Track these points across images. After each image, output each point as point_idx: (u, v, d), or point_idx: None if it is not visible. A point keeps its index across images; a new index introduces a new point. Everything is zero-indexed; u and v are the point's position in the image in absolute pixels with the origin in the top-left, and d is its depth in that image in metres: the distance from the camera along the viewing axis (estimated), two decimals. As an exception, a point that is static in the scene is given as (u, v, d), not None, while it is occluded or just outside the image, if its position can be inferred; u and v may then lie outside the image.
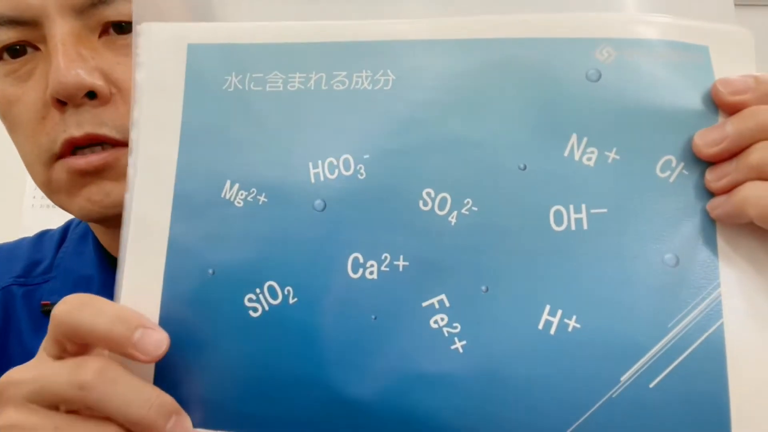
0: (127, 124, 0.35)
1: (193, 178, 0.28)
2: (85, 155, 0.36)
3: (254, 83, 0.28)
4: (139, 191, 0.28)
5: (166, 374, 0.26)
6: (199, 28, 0.29)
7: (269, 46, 0.28)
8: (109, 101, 0.36)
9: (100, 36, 0.36)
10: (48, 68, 0.35)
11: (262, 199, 0.27)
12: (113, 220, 0.37)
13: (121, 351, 0.25)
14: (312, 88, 0.28)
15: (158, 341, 0.25)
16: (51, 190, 0.38)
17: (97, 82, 0.35)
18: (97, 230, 0.44)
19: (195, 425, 0.26)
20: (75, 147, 0.36)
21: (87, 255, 0.45)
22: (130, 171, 0.28)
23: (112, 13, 0.35)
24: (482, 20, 0.27)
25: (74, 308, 0.25)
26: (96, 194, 0.37)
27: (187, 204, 0.27)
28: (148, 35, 0.29)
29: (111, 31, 0.36)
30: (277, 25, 0.29)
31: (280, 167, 0.27)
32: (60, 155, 0.36)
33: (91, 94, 0.35)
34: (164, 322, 0.26)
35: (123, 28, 0.36)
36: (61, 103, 0.35)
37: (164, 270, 0.27)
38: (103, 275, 0.43)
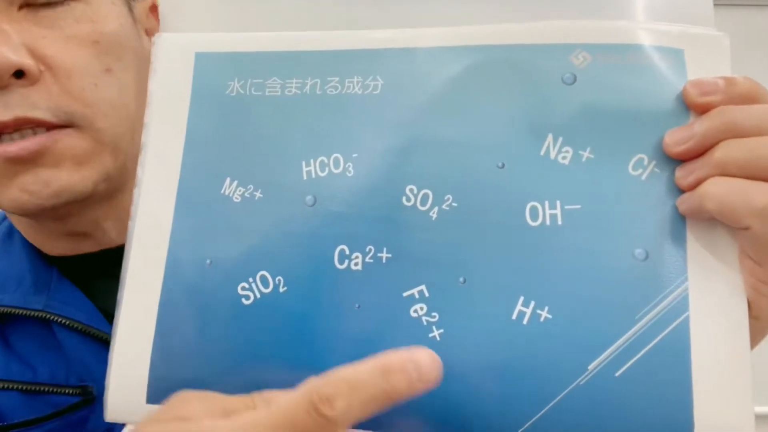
0: (62, 104, 0.34)
1: (195, 176, 0.30)
2: (15, 141, 0.33)
3: (254, 88, 0.30)
4: (146, 188, 0.30)
5: (164, 356, 0.28)
6: (206, 38, 0.32)
7: (269, 54, 0.31)
8: (38, 80, 0.33)
9: (19, 8, 0.33)
10: None
11: (258, 194, 0.29)
12: (50, 212, 0.35)
13: (412, 394, 0.22)
14: (308, 92, 0.30)
15: (431, 360, 0.21)
16: None
17: (24, 60, 0.32)
18: (24, 226, 0.41)
19: None
20: (0, 133, 0.33)
21: (15, 254, 0.41)
22: (139, 170, 0.30)
23: None
24: (465, 29, 0.28)
25: (347, 399, 0.21)
26: (32, 183, 0.33)
27: (190, 199, 0.29)
28: (161, 45, 0.32)
29: (32, 2, 0.33)
30: (277, 35, 0.31)
31: (276, 165, 0.29)
32: None
33: (18, 74, 0.32)
34: (163, 308, 0.28)
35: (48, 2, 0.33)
36: None
37: (166, 259, 0.29)
38: (34, 274, 0.40)
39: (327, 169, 0.28)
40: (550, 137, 0.27)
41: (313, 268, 0.28)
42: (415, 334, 0.26)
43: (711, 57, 0.27)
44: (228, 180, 0.29)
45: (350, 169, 0.28)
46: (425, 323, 0.26)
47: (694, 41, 0.27)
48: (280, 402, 0.22)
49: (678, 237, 0.25)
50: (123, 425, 0.29)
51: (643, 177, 0.26)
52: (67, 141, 0.34)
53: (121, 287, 0.29)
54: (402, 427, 0.26)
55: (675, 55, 0.27)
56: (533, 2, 0.29)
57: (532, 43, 0.28)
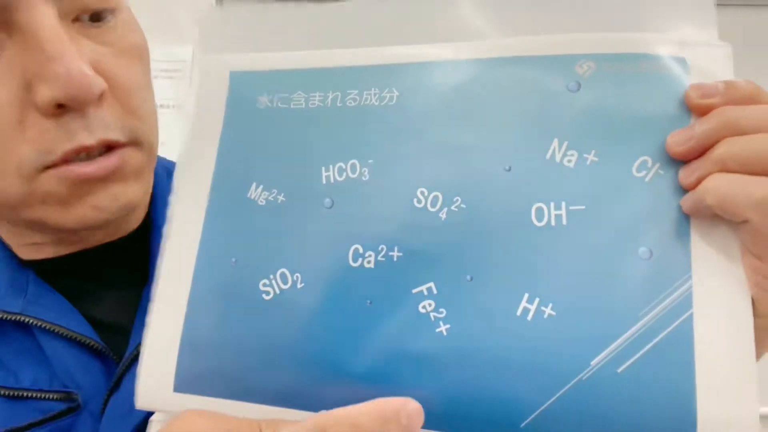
0: (127, 123, 0.34)
1: (226, 182, 0.32)
2: (92, 161, 0.32)
3: (281, 102, 0.33)
4: (182, 193, 0.33)
5: (191, 347, 0.30)
6: (240, 58, 0.35)
7: (295, 71, 0.33)
8: (106, 100, 0.32)
9: (73, 21, 0.31)
10: (24, 62, 0.29)
11: (281, 198, 0.31)
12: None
13: None
14: (329, 105, 0.32)
15: (418, 413, 0.23)
16: (28, 203, 0.33)
17: (103, 81, 0.31)
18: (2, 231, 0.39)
19: (216, 396, 0.29)
20: (79, 154, 0.32)
21: None
22: (176, 177, 0.33)
23: None
24: (474, 44, 0.30)
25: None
26: (104, 200, 0.33)
27: (219, 203, 0.32)
28: (201, 64, 0.35)
29: (82, 17, 0.32)
30: (302, 54, 0.33)
31: (298, 171, 0.31)
32: (54, 164, 0.32)
33: None
34: (192, 302, 0.30)
35: (94, 15, 0.32)
36: (60, 107, 0.30)
37: (196, 258, 0.31)
38: (8, 276, 0.38)
39: (344, 174, 0.30)
40: (555, 141, 0.28)
41: (329, 265, 0.29)
42: (423, 329, 0.27)
43: (715, 65, 0.27)
44: (254, 185, 0.32)
45: (366, 173, 0.30)
46: (433, 319, 0.27)
47: (698, 50, 0.28)
48: None
49: (682, 236, 0.25)
50: None
51: (647, 178, 0.26)
52: (133, 158, 0.35)
53: (155, 282, 0.31)
54: None
55: (679, 64, 0.27)
56: (542, 17, 0.30)
57: (538, 54, 0.29)
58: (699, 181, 0.25)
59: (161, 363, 0.30)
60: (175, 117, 1.26)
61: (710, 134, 0.25)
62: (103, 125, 0.32)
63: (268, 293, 0.30)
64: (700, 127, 0.25)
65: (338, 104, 0.32)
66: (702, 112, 0.26)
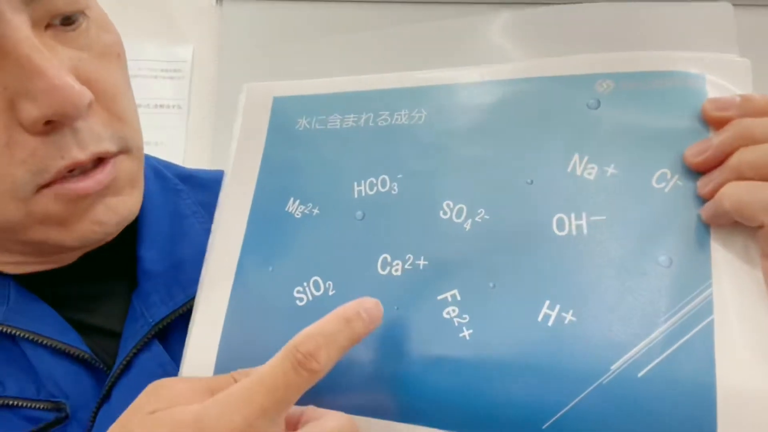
0: (116, 130, 0.32)
1: (266, 197, 0.35)
2: (87, 175, 0.30)
3: (318, 123, 0.35)
4: (226, 206, 0.35)
5: (229, 347, 0.32)
6: (282, 85, 0.38)
7: (331, 95, 0.36)
8: (91, 109, 0.30)
9: (45, 28, 0.29)
10: (3, 80, 0.27)
11: (315, 211, 0.33)
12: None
13: (367, 334, 0.26)
14: (362, 125, 0.34)
15: (375, 305, 0.26)
16: (27, 225, 0.31)
17: (87, 91, 0.28)
18: None
19: None
20: (73, 171, 0.30)
21: None
22: (222, 192, 0.36)
23: (60, 2, 0.29)
24: (498, 66, 0.32)
25: (327, 350, 0.25)
26: (103, 214, 0.32)
27: (260, 216, 0.34)
28: (248, 92, 0.38)
29: (53, 22, 0.29)
30: (338, 79, 0.36)
31: (332, 186, 0.33)
32: (48, 183, 0.30)
33: None
34: (231, 306, 0.32)
35: (66, 19, 0.30)
36: (48, 123, 0.28)
37: (237, 265, 0.33)
38: None
39: (375, 188, 0.32)
40: (576, 156, 0.29)
41: (359, 273, 0.31)
42: (447, 334, 0.28)
43: (733, 80, 0.28)
44: (291, 199, 0.34)
45: (395, 188, 0.32)
46: (456, 324, 0.28)
47: (716, 67, 0.28)
48: (263, 369, 0.25)
49: (702, 244, 0.26)
50: None
51: (666, 189, 0.27)
52: (124, 167, 0.33)
53: (200, 285, 0.34)
54: (433, 420, 0.27)
55: (696, 80, 0.28)
56: (562, 38, 0.32)
57: (558, 75, 0.30)
58: (716, 190, 0.25)
59: (203, 358, 0.32)
60: (175, 117, 1.26)
61: (726, 144, 0.25)
62: (94, 138, 0.30)
63: (301, 300, 0.31)
64: (716, 138, 0.26)
65: (370, 124, 0.34)
66: (718, 124, 0.26)
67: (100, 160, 0.32)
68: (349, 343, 0.26)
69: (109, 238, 0.35)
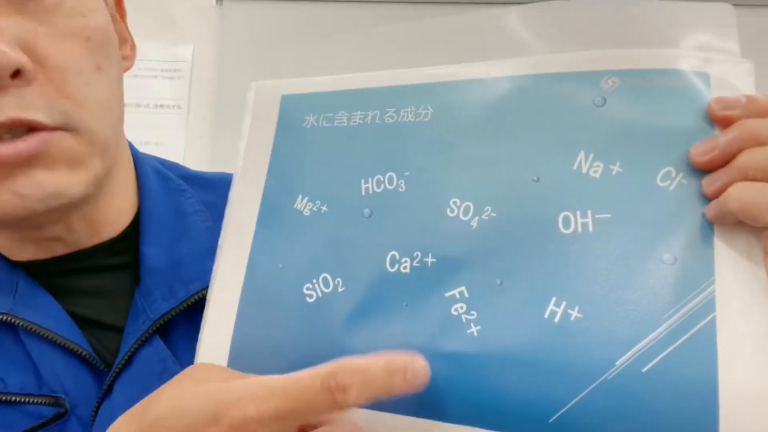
0: (57, 105, 0.32)
1: (275, 194, 0.35)
2: (8, 142, 0.30)
3: (325, 121, 0.35)
4: (236, 204, 0.36)
5: (241, 344, 0.32)
6: (290, 82, 0.38)
7: (338, 93, 0.36)
8: (33, 80, 0.30)
9: None
10: None
11: (324, 208, 0.33)
12: (34, 218, 0.34)
13: (401, 394, 0.25)
14: (369, 122, 0.34)
15: (423, 368, 0.25)
16: None
17: (22, 58, 0.29)
18: None
19: None
20: None
21: None
22: (231, 190, 0.36)
23: None
24: (504, 62, 0.32)
25: (359, 390, 0.24)
26: (25, 186, 0.32)
27: (269, 213, 0.35)
28: (256, 91, 0.38)
29: None
30: (345, 77, 0.36)
31: (340, 183, 0.34)
32: None
33: (14, 73, 0.30)
34: (243, 302, 0.33)
35: None
36: None
37: (247, 262, 0.34)
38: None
39: (382, 185, 0.33)
40: (582, 153, 0.29)
41: (368, 270, 0.31)
42: (455, 330, 0.29)
43: (736, 80, 0.28)
44: (300, 197, 0.34)
45: (402, 185, 0.32)
46: (464, 320, 0.29)
47: (720, 66, 0.29)
48: (296, 375, 0.24)
49: (705, 242, 0.26)
50: None
51: (671, 188, 0.28)
52: (62, 144, 0.33)
53: (211, 282, 0.34)
54: (442, 414, 0.28)
55: (701, 78, 0.29)
56: (568, 35, 0.32)
57: (565, 71, 0.31)
58: (722, 189, 0.26)
59: (215, 352, 0.32)
60: (175, 117, 1.27)
61: (732, 144, 0.26)
62: (21, 104, 0.30)
63: (311, 296, 0.32)
64: (722, 138, 0.26)
65: (377, 121, 0.34)
66: (724, 123, 0.27)
67: (29, 132, 0.31)
68: (383, 393, 0.24)
69: (38, 218, 0.34)
